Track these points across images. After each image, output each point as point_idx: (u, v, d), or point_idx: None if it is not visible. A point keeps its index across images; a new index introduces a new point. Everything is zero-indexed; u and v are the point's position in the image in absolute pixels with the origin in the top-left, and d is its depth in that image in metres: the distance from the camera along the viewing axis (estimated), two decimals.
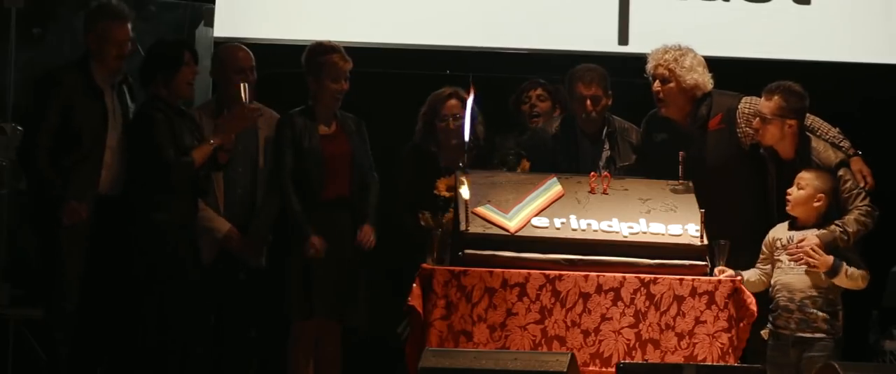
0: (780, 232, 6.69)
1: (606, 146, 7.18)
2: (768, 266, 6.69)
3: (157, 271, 6.53)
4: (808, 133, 6.83)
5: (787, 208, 6.63)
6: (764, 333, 6.64)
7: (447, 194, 6.71)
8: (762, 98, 6.79)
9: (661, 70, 6.90)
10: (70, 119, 6.59)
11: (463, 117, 6.89)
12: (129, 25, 6.80)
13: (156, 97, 6.68)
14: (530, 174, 6.74)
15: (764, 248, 6.72)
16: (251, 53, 7.15)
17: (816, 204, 6.59)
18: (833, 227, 6.63)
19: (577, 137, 7.18)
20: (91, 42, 6.74)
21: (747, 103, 6.92)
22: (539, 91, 7.55)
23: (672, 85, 6.90)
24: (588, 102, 7.10)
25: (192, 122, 6.84)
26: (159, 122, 6.60)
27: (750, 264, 6.71)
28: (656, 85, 6.92)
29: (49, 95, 6.62)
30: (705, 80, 6.94)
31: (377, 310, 7.03)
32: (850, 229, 6.60)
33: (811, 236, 6.58)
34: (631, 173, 6.99)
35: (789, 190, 6.63)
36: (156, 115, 6.61)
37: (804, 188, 6.59)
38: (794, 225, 6.65)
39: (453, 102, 7.15)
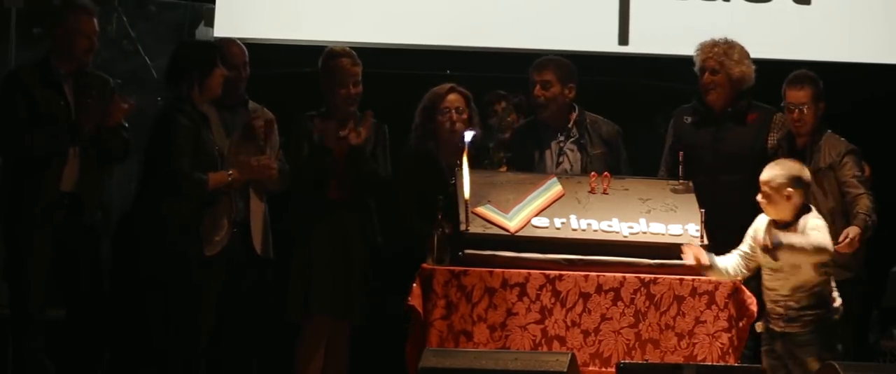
0: (762, 230, 6.48)
1: (575, 132, 7.19)
2: (747, 252, 6.51)
3: (163, 272, 6.52)
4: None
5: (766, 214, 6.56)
6: (758, 326, 6.60)
7: None
8: (790, 91, 7.01)
9: (710, 62, 7.10)
10: (34, 112, 6.59)
11: (466, 116, 7.01)
12: (95, 20, 6.79)
13: (183, 99, 6.64)
14: (530, 174, 6.74)
15: (747, 236, 6.67)
16: (245, 48, 7.15)
17: (788, 201, 6.29)
18: (862, 216, 6.76)
19: (540, 129, 7.21)
20: (59, 36, 6.73)
21: (780, 117, 7.14)
22: (502, 104, 7.53)
23: (721, 75, 7.09)
24: (538, 86, 7.16)
25: (214, 127, 6.82)
26: (184, 128, 6.56)
27: None
28: (707, 76, 7.10)
29: (12, 89, 6.65)
30: (751, 72, 7.15)
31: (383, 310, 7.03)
32: (873, 218, 6.79)
33: (855, 229, 6.67)
34: (601, 167, 7.01)
35: (758, 198, 6.49)
36: (181, 119, 6.57)
37: (769, 195, 6.30)
38: (776, 222, 6.43)
39: (453, 96, 7.15)
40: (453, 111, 7.11)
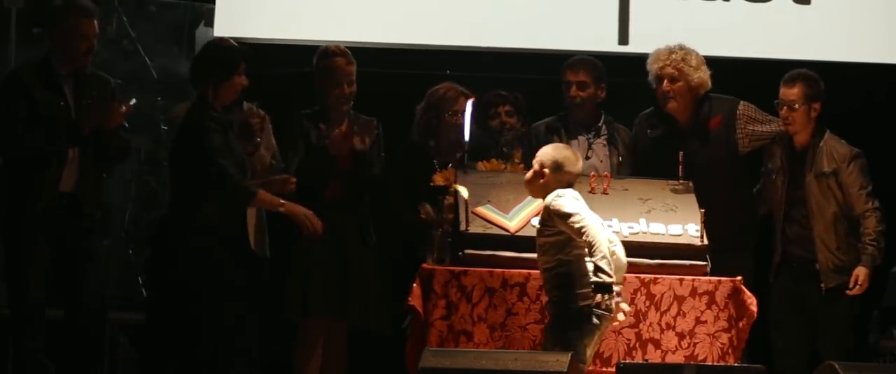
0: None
1: (605, 131, 7.26)
2: None
3: (205, 275, 6.46)
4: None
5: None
6: None
7: (444, 184, 6.72)
8: (783, 88, 6.96)
9: (668, 69, 7.03)
10: (34, 113, 6.58)
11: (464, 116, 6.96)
12: (95, 22, 6.77)
13: (205, 101, 6.57)
14: None
15: None
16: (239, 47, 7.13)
17: (539, 180, 6.06)
18: (870, 250, 6.81)
19: (571, 128, 7.25)
20: (58, 37, 6.71)
21: (745, 107, 7.06)
22: (508, 107, 7.53)
23: (680, 83, 7.01)
24: (574, 87, 7.20)
25: (243, 130, 6.82)
26: (215, 133, 6.48)
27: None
28: (665, 84, 7.02)
29: (11, 89, 6.64)
30: (707, 78, 7.08)
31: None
32: (881, 243, 6.82)
33: (863, 272, 6.79)
34: (626, 173, 7.04)
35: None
36: (210, 125, 6.49)
37: (533, 170, 6.11)
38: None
39: (463, 101, 7.15)
40: (460, 115, 7.12)
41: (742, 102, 7.10)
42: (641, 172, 6.96)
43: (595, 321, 5.90)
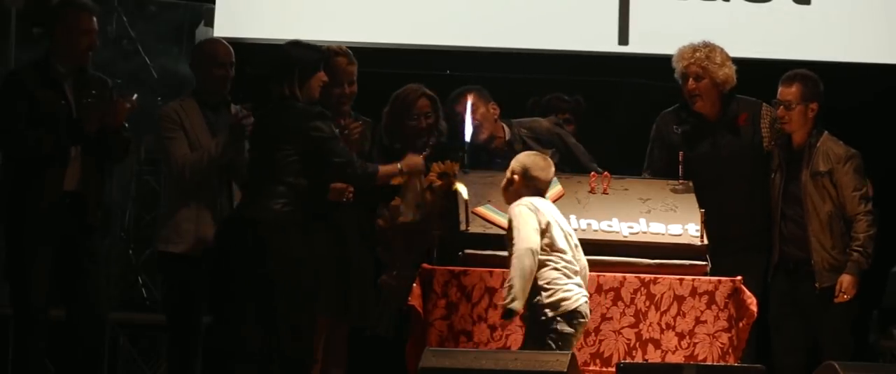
0: None
1: (507, 148, 7.13)
2: None
3: (279, 274, 6.38)
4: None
5: None
6: None
7: (397, 184, 6.72)
8: (781, 88, 6.97)
9: (693, 68, 7.00)
10: (35, 112, 6.58)
11: (432, 120, 7.01)
12: (95, 18, 6.77)
13: (295, 97, 6.50)
14: None
15: None
16: (231, 48, 7.10)
17: (509, 187, 6.12)
18: (855, 256, 6.77)
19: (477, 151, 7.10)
20: (59, 34, 6.70)
21: (768, 109, 7.10)
22: (567, 115, 7.50)
23: (705, 81, 7.00)
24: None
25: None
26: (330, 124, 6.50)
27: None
28: (690, 83, 7.00)
29: (12, 89, 6.63)
30: (733, 73, 7.07)
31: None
32: (869, 249, 6.79)
33: (848, 279, 6.75)
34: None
35: None
36: (327, 117, 6.51)
37: (506, 174, 6.19)
38: None
39: (423, 101, 7.14)
40: (422, 117, 7.11)
41: (765, 104, 7.11)
42: (665, 158, 6.92)
43: (568, 329, 5.90)
